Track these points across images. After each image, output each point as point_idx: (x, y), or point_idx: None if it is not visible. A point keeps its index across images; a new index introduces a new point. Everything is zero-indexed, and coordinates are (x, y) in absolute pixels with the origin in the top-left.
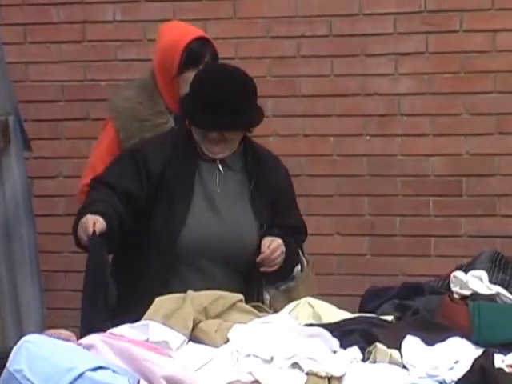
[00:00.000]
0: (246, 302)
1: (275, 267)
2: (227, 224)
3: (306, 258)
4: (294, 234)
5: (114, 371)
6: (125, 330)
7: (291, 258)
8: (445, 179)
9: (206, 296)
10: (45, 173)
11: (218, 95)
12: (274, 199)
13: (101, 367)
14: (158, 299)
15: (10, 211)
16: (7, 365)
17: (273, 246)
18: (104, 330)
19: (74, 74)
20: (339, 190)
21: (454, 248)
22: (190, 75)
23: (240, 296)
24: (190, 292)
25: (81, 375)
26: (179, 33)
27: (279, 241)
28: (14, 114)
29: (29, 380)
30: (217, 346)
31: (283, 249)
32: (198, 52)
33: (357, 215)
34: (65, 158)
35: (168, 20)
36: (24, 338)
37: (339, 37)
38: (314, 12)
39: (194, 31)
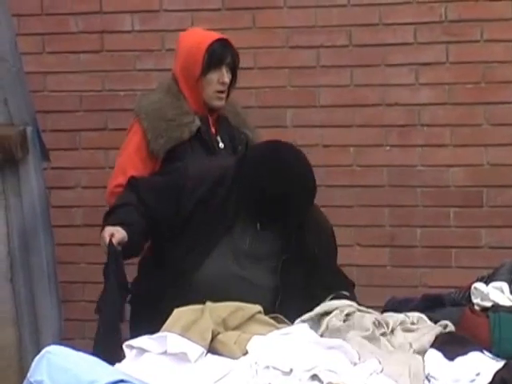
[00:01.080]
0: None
1: None
2: (242, 277)
3: None
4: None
5: None
6: (143, 341)
7: None
8: (465, 190)
9: (224, 308)
10: (63, 183)
11: (309, 186)
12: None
13: (122, 381)
14: (176, 310)
15: (27, 222)
16: (28, 375)
17: None
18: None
19: (93, 84)
20: (359, 200)
21: (475, 259)
22: (213, 76)
23: (259, 307)
24: (208, 303)
25: None
26: (200, 36)
27: None
28: (32, 124)
29: None
30: (236, 358)
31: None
32: (219, 53)
33: (377, 226)
34: (83, 169)
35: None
36: (46, 349)
37: (359, 47)
38: (333, 22)
39: (215, 34)
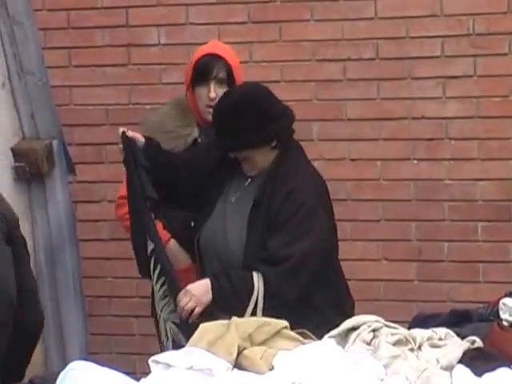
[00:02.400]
0: None
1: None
2: (223, 233)
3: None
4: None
5: None
6: (169, 356)
7: (222, 295)
8: (493, 204)
9: (250, 323)
10: (89, 197)
11: (219, 119)
12: (270, 222)
13: None
14: (202, 326)
15: (53, 236)
16: None
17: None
18: None
19: (119, 98)
20: (386, 214)
21: (503, 274)
22: (201, 91)
23: (285, 323)
24: (234, 319)
25: None
26: (197, 50)
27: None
28: (58, 137)
29: None
30: (262, 373)
31: (192, 293)
32: (204, 68)
33: (404, 240)
34: (109, 182)
35: None
36: (70, 365)
37: (386, 60)
38: (360, 35)
39: (209, 48)
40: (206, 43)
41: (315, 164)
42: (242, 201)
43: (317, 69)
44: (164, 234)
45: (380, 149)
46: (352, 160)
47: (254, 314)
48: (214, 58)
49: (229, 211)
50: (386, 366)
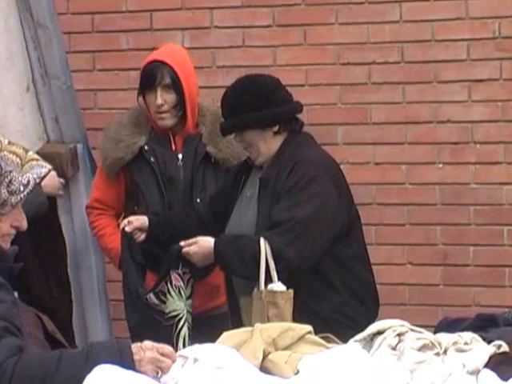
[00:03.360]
0: None
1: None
2: (238, 224)
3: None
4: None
5: None
6: (194, 351)
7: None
8: None
9: (274, 328)
10: None
11: (225, 102)
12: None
13: None
14: (225, 333)
15: (78, 240)
16: None
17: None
18: None
19: None
20: (411, 218)
21: None
22: (149, 97)
23: (309, 327)
24: (257, 325)
25: None
26: (148, 56)
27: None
28: (82, 141)
29: None
30: (286, 378)
31: (195, 249)
32: (149, 75)
33: (429, 245)
34: None
35: (238, 47)
36: (96, 368)
37: (411, 63)
38: (385, 38)
39: (156, 55)
40: (232, 47)
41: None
42: (255, 191)
43: (342, 72)
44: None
45: (405, 153)
46: (377, 164)
47: (268, 279)
48: (159, 64)
49: (244, 204)
50: (411, 371)
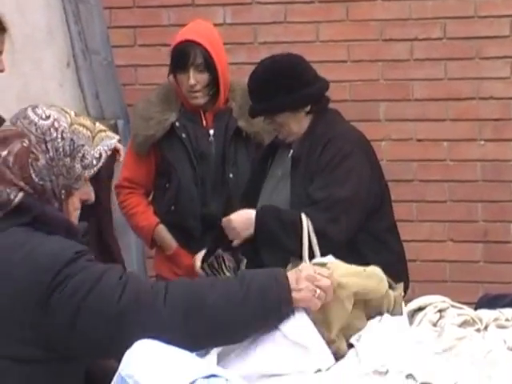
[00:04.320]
0: None
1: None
2: (268, 202)
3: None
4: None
5: (226, 379)
6: None
7: (266, 229)
8: None
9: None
10: None
11: (252, 86)
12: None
13: (213, 375)
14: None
15: (117, 217)
16: (119, 369)
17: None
18: None
19: None
20: (452, 195)
21: None
22: (180, 77)
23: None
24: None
25: (193, 382)
26: (178, 34)
27: (231, 219)
28: (123, 117)
29: None
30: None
31: (232, 225)
32: (181, 55)
33: (470, 221)
34: None
35: (280, 23)
36: (136, 343)
37: (453, 39)
38: (427, 14)
39: (187, 33)
40: (274, 23)
41: (381, 144)
42: (286, 170)
43: (384, 48)
44: (153, 219)
45: (447, 129)
46: (419, 140)
47: (311, 254)
48: (191, 44)
49: (275, 184)
50: (451, 347)
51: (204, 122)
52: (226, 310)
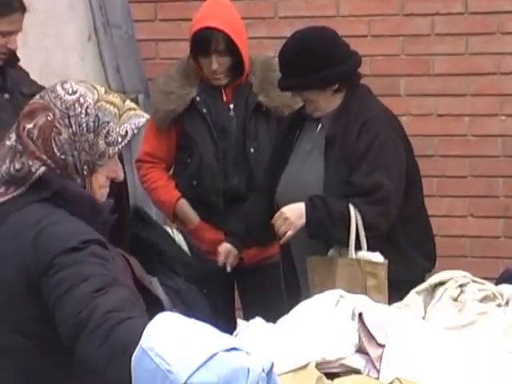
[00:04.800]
0: None
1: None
2: (300, 179)
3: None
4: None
5: (247, 353)
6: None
7: (316, 218)
8: None
9: None
10: None
11: (282, 60)
12: (348, 157)
13: (234, 348)
14: None
15: (138, 191)
16: (140, 342)
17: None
18: None
19: None
20: (473, 170)
21: None
22: (202, 60)
23: None
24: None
25: (214, 355)
26: (197, 17)
27: (283, 211)
28: (143, 91)
29: (162, 358)
30: None
31: (284, 215)
32: (202, 42)
33: (491, 197)
34: None
35: None
36: (158, 316)
37: (475, 14)
38: None
39: (206, 19)
40: None
41: (402, 119)
42: (316, 145)
43: (405, 23)
44: (175, 193)
45: (468, 104)
46: (439, 115)
47: (358, 245)
48: (212, 31)
49: (304, 158)
50: (472, 322)
51: (224, 97)
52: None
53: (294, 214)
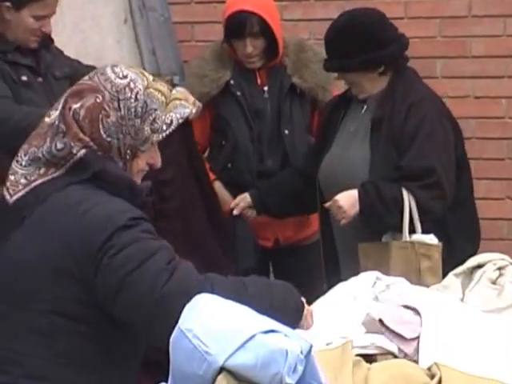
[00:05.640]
0: None
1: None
2: (345, 161)
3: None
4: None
5: (285, 335)
6: None
7: (369, 203)
8: None
9: None
10: None
11: (327, 40)
12: (395, 139)
13: (272, 330)
14: None
15: None
16: (179, 323)
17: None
18: None
19: None
20: (510, 153)
21: None
22: (237, 44)
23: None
24: None
25: (252, 337)
26: (230, 0)
27: (337, 199)
28: (179, 73)
29: (199, 339)
30: None
31: (338, 203)
32: (236, 26)
33: None
34: None
35: None
36: (196, 297)
37: None
38: None
39: (239, 2)
40: None
41: None
42: (360, 127)
43: (442, 5)
44: (210, 175)
45: (505, 86)
46: (476, 98)
47: (412, 229)
48: (246, 14)
49: (349, 140)
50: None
51: (258, 80)
52: (262, 301)
53: (347, 202)
